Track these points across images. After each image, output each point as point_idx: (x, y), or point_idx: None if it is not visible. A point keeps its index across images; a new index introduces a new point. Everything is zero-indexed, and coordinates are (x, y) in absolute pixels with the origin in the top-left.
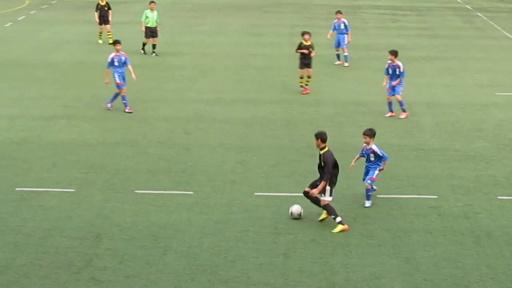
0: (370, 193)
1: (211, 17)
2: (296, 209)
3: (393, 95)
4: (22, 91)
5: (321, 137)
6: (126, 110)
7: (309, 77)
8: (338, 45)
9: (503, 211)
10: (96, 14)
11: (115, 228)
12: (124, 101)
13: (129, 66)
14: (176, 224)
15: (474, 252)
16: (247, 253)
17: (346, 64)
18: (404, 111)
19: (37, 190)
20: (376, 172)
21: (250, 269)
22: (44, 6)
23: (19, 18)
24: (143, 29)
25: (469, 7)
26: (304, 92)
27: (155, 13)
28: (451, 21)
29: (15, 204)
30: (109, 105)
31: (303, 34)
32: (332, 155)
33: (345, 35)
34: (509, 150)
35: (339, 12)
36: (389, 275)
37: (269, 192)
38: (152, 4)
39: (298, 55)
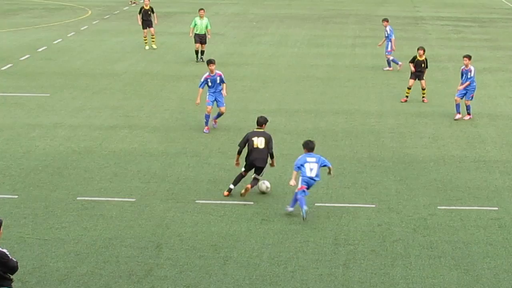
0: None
1: (273, 28)
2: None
3: (462, 97)
4: (85, 100)
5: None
6: (204, 131)
7: (423, 89)
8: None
9: None
10: (139, 17)
11: (175, 238)
12: (206, 120)
13: (224, 85)
14: (236, 234)
15: None
16: (307, 264)
17: (386, 68)
18: (469, 114)
19: (98, 200)
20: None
21: (310, 280)
22: (107, 16)
23: (82, 28)
24: (191, 35)
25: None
26: (403, 101)
27: (205, 20)
28: None
29: (76, 213)
30: (213, 122)
31: (418, 49)
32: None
33: (389, 43)
34: None
35: (385, 20)
36: (449, 287)
37: (330, 203)
38: (202, 11)
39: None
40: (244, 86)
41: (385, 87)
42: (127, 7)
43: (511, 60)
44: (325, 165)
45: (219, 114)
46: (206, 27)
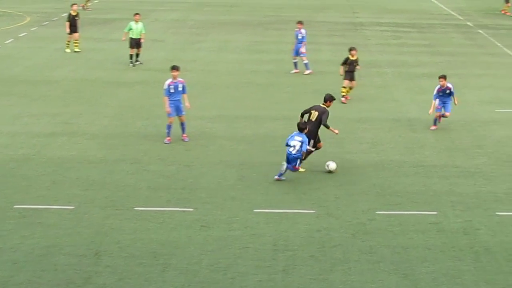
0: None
1: (213, 34)
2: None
3: (441, 111)
4: (23, 108)
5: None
6: (165, 141)
7: (351, 88)
8: (296, 54)
9: (502, 227)
10: (68, 24)
11: (114, 245)
12: (167, 130)
13: (185, 95)
14: (176, 241)
15: (473, 268)
16: (246, 270)
17: (307, 72)
18: (434, 125)
19: (36, 208)
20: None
21: (249, 286)
22: (46, 23)
23: (20, 35)
24: (124, 38)
25: (470, 24)
26: (345, 102)
27: (140, 24)
28: (452, 38)
29: (14, 221)
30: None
31: (351, 49)
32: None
33: (302, 45)
34: (509, 166)
35: (299, 22)
36: None
37: (269, 209)
38: (137, 16)
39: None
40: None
41: (324, 92)
42: (65, 14)
43: (449, 65)
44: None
45: (183, 128)
46: (141, 31)
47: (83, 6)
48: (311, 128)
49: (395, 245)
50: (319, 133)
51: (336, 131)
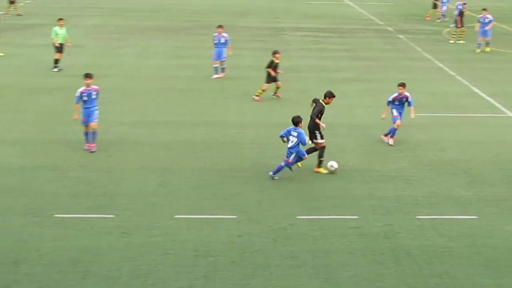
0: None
1: (134, 40)
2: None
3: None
4: None
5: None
6: (85, 148)
7: (278, 87)
8: (218, 58)
9: (422, 230)
10: None
11: (34, 253)
12: (86, 137)
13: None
14: (96, 248)
15: (393, 271)
16: (167, 276)
17: (222, 75)
18: (392, 137)
19: None
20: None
21: None
22: None
23: None
24: (57, 44)
25: (391, 29)
26: (258, 100)
27: (64, 29)
28: (373, 43)
29: None
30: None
31: (275, 53)
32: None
33: (225, 49)
34: (429, 170)
35: (220, 26)
36: None
37: (190, 215)
38: (62, 21)
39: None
40: (104, 98)
41: (245, 98)
42: None
43: (369, 70)
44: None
45: (94, 137)
46: (65, 36)
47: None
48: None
49: (316, 249)
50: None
51: (323, 125)
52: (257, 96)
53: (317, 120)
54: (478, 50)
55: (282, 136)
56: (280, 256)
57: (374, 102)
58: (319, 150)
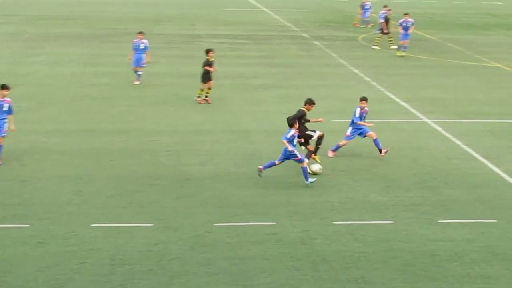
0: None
1: (48, 47)
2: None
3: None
4: None
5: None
6: None
7: (209, 88)
8: (137, 64)
9: (339, 236)
10: None
11: None
12: None
13: (11, 116)
14: (11, 258)
15: (310, 277)
16: (83, 286)
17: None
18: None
19: None
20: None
21: None
22: None
23: None
24: None
25: (306, 35)
26: (202, 103)
27: None
28: (289, 50)
29: None
30: None
31: (208, 51)
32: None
33: (144, 55)
34: (344, 175)
35: (140, 32)
36: None
37: (107, 223)
38: None
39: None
40: (18, 107)
41: (162, 105)
42: None
43: (285, 76)
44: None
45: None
46: None
47: None
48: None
49: (233, 256)
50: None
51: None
52: (199, 97)
53: (295, 126)
54: (403, 53)
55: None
56: (197, 263)
57: (291, 108)
58: (318, 139)
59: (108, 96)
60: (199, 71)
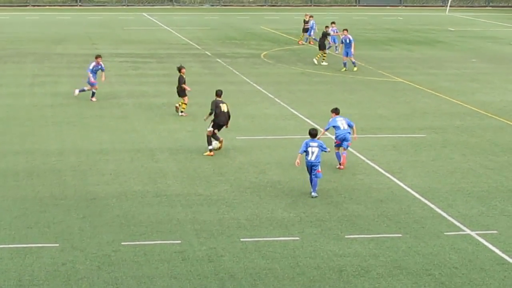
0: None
1: None
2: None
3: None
4: None
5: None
6: None
7: (185, 104)
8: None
9: (246, 253)
10: None
11: None
12: None
13: None
14: None
15: None
16: None
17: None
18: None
19: None
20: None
21: None
22: None
23: None
24: None
25: (209, 53)
26: (185, 115)
27: None
28: (192, 67)
29: None
30: None
31: (180, 69)
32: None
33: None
34: (250, 192)
35: (98, 56)
36: None
37: (13, 244)
38: None
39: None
40: None
41: (66, 125)
42: None
43: (189, 94)
44: (324, 150)
45: None
46: None
47: None
48: (226, 118)
49: (140, 275)
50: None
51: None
52: (182, 112)
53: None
54: (343, 69)
55: (302, 152)
56: (104, 283)
57: (195, 126)
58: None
59: (11, 116)
60: (103, 90)
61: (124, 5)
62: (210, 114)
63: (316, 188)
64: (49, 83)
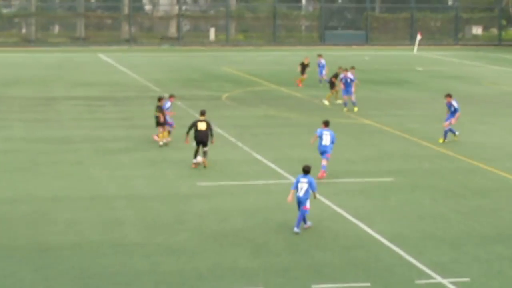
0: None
1: None
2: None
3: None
4: None
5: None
6: None
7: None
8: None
9: None
10: None
11: None
12: None
13: None
14: None
15: None
16: None
17: None
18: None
19: None
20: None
21: None
22: None
23: None
24: None
25: (167, 96)
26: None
27: None
28: (149, 111)
29: None
30: None
31: (160, 99)
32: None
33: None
34: (212, 241)
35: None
36: None
37: None
38: None
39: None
40: None
41: (18, 172)
42: None
43: (147, 139)
44: (312, 189)
45: None
46: None
47: None
48: (204, 136)
49: None
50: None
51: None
52: (161, 142)
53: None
54: (345, 109)
55: (294, 188)
56: None
57: (154, 172)
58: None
59: None
60: (57, 134)
61: (79, 46)
62: (187, 132)
63: (300, 224)
64: (1, 128)
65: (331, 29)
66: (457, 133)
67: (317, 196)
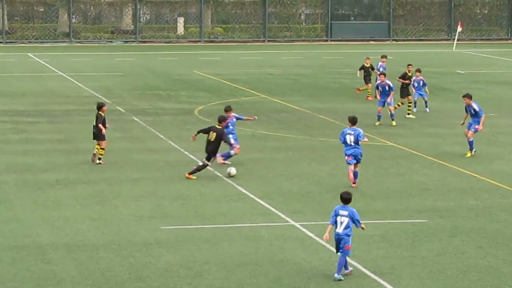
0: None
1: None
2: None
3: None
4: None
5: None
6: None
7: (103, 148)
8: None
9: None
10: None
11: None
12: None
13: None
14: None
15: None
16: None
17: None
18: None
19: None
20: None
21: None
22: None
23: None
24: None
25: (122, 110)
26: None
27: None
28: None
29: None
30: None
31: (101, 106)
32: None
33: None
34: None
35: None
36: None
37: None
38: None
39: None
40: None
41: None
42: None
43: (94, 168)
44: (356, 224)
45: None
46: None
47: None
48: (213, 147)
49: None
50: None
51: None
52: (100, 159)
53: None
54: (377, 123)
55: (333, 224)
56: None
57: (103, 212)
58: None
59: None
60: None
61: (1, 42)
62: (199, 131)
63: (342, 268)
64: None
65: (340, 19)
66: (474, 150)
67: (325, 242)
